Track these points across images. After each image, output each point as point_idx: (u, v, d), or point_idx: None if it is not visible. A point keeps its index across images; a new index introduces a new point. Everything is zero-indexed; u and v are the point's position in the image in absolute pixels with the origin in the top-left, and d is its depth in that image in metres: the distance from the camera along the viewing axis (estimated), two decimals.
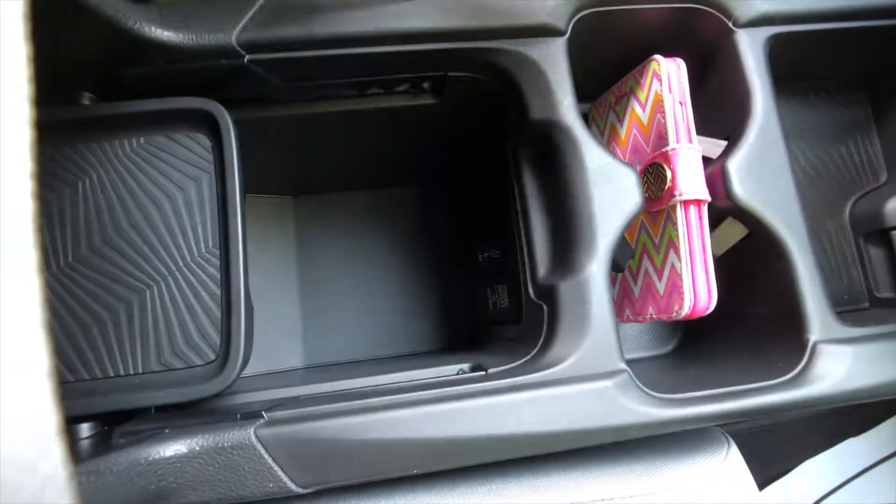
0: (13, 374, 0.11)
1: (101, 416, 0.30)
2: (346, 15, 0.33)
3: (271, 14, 0.32)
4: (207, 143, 0.35)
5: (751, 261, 0.36)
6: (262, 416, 0.28)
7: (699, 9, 0.36)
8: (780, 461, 0.74)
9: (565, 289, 0.32)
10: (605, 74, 0.42)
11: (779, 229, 0.34)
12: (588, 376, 0.30)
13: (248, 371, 0.41)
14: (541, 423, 0.29)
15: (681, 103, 0.37)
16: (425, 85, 0.38)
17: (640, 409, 0.29)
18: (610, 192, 0.33)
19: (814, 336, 0.33)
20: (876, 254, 0.41)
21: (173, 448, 0.26)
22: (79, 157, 0.33)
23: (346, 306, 0.53)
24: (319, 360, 0.52)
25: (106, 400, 0.29)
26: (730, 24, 0.36)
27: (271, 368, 0.50)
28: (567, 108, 0.34)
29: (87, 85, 0.33)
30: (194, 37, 0.31)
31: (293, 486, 0.27)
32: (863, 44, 0.40)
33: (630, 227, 0.38)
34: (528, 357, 0.33)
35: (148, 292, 0.33)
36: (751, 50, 0.36)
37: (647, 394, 0.30)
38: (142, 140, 0.34)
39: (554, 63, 0.34)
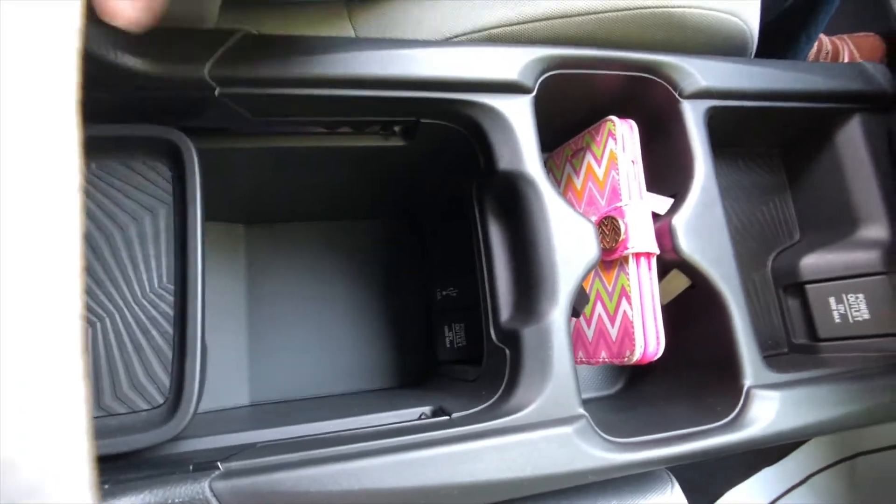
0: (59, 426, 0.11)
1: None
2: (322, 57, 0.33)
3: (247, 49, 0.32)
4: (167, 172, 0.33)
5: (692, 310, 0.40)
6: (218, 467, 0.27)
7: (651, 79, 0.40)
8: (708, 492, 0.79)
9: (528, 334, 0.33)
10: (564, 128, 0.45)
11: (717, 282, 0.37)
12: (549, 422, 0.31)
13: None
14: (506, 470, 0.29)
15: (633, 162, 0.40)
16: (396, 128, 0.39)
17: (598, 454, 0.31)
18: (571, 242, 0.35)
19: (748, 381, 0.36)
20: (793, 304, 0.46)
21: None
22: None
23: (296, 340, 0.51)
24: (266, 397, 0.50)
25: None
26: (676, 95, 0.40)
27: (215, 406, 0.47)
28: (532, 161, 0.36)
29: None
30: (165, 67, 0.30)
31: None
32: (779, 120, 0.46)
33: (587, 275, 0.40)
34: (491, 402, 0.33)
35: (90, 330, 0.30)
36: (693, 119, 0.40)
37: (604, 439, 0.32)
38: (93, 166, 0.32)
39: (522, 118, 0.36)
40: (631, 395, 0.45)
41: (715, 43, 0.43)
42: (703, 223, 0.38)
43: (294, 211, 0.52)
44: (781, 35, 0.63)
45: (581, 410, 0.32)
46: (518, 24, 0.39)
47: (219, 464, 0.27)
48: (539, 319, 0.33)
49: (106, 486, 0.25)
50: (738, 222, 0.49)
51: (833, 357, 0.43)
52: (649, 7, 0.40)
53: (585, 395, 0.47)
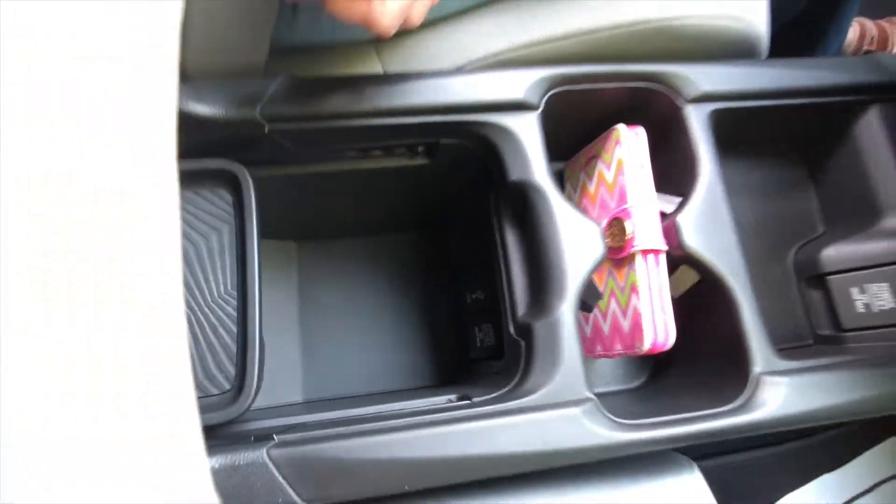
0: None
1: None
2: (355, 92, 0.39)
3: (290, 90, 0.38)
4: (229, 198, 0.40)
5: (703, 303, 0.41)
6: (274, 439, 0.32)
7: (653, 88, 0.43)
8: (755, 498, 0.77)
9: (540, 327, 0.37)
10: (577, 138, 0.48)
11: (724, 275, 0.39)
12: (559, 403, 0.35)
13: (254, 405, 0.45)
14: (517, 445, 0.33)
15: (641, 166, 0.43)
16: (420, 149, 0.44)
17: (603, 432, 0.34)
18: (577, 242, 0.38)
19: (757, 368, 0.37)
20: (816, 296, 0.47)
21: None
22: None
23: (344, 344, 0.57)
24: (318, 395, 0.56)
25: None
26: (678, 101, 0.43)
27: (274, 403, 0.53)
28: (540, 171, 0.39)
29: None
30: (224, 111, 0.37)
31: (299, 502, 0.31)
32: (792, 117, 0.47)
33: (596, 272, 0.43)
34: (508, 388, 0.37)
35: None
36: (697, 122, 0.42)
37: (609, 419, 0.35)
38: None
39: (529, 133, 0.40)
40: (653, 387, 0.47)
41: (718, 49, 0.45)
42: (707, 220, 0.40)
43: (339, 228, 0.58)
44: (808, 30, 0.63)
45: (588, 394, 0.35)
46: (524, 47, 0.43)
47: (274, 436, 0.32)
48: (549, 314, 0.37)
49: None
50: (755, 218, 0.50)
51: (858, 347, 0.43)
52: (646, 21, 0.43)
53: (611, 388, 0.49)
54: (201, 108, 0.36)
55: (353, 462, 0.31)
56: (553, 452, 0.33)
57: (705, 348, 0.42)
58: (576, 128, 0.47)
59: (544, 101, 0.41)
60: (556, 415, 0.34)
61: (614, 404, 0.36)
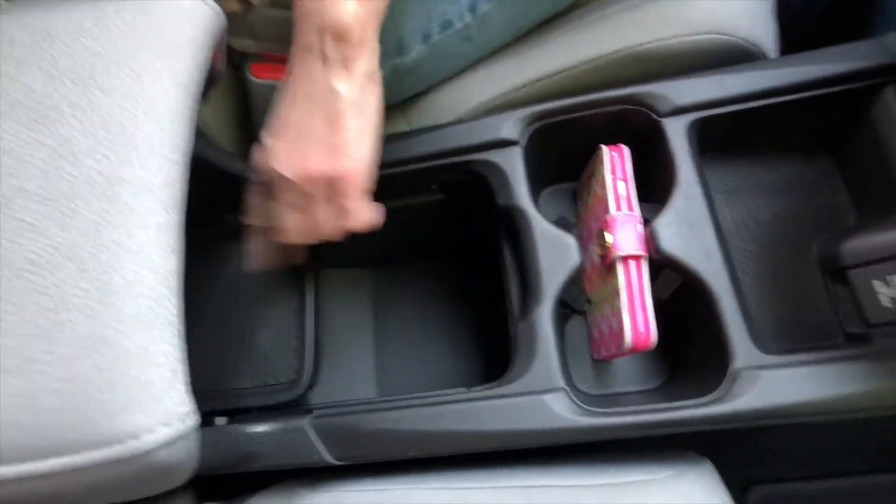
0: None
1: (228, 411, 0.48)
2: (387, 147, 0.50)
3: None
4: None
5: (690, 304, 0.44)
6: (313, 413, 0.44)
7: (630, 108, 0.47)
8: None
9: (522, 327, 0.44)
10: (578, 160, 0.53)
11: (703, 276, 0.41)
12: (534, 391, 0.40)
13: (335, 397, 0.58)
14: (496, 423, 0.40)
15: (623, 180, 0.47)
16: (434, 187, 0.54)
17: (570, 416, 0.39)
18: (554, 254, 0.44)
19: (737, 363, 0.39)
20: (841, 291, 0.44)
21: (261, 427, 0.43)
22: (223, 252, 0.55)
23: (409, 351, 0.68)
24: (390, 393, 0.67)
25: (228, 402, 0.47)
26: (655, 116, 0.46)
27: (351, 398, 0.66)
28: (522, 196, 0.46)
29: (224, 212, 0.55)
30: None
31: (330, 459, 0.42)
32: (796, 113, 0.46)
33: (596, 279, 0.48)
34: (499, 380, 0.44)
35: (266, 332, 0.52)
36: (674, 133, 0.45)
37: (579, 406, 0.39)
38: None
39: (512, 165, 0.47)
40: (665, 388, 0.49)
41: (697, 63, 0.48)
42: (684, 224, 0.43)
43: (399, 256, 0.70)
44: (848, 19, 0.60)
45: (561, 385, 0.40)
46: (510, 91, 0.51)
47: (314, 410, 0.44)
48: (530, 316, 0.43)
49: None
50: (774, 214, 0.49)
51: (888, 344, 0.41)
52: (615, 52, 0.48)
53: (628, 389, 0.52)
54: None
55: (371, 430, 0.41)
56: (526, 431, 0.39)
57: (696, 346, 0.44)
58: (573, 151, 0.52)
59: (527, 136, 0.48)
60: (531, 399, 0.40)
61: (629, 401, 0.41)
